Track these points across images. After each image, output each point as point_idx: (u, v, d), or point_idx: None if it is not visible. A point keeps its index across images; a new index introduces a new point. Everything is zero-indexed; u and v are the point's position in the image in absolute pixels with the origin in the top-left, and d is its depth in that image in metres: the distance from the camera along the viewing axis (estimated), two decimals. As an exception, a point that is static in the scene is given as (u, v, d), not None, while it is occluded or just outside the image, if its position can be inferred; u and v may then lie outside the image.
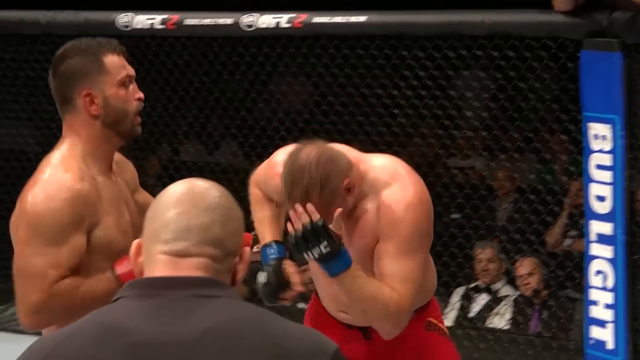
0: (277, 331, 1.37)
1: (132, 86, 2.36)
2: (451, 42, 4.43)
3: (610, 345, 4.10)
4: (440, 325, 2.72)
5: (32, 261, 2.26)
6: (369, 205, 2.43)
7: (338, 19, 4.43)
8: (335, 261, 2.34)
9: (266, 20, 4.55)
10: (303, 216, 2.29)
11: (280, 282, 2.60)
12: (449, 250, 4.93)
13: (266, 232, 2.66)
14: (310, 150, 2.35)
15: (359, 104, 4.99)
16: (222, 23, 4.66)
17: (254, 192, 2.73)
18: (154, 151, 6.12)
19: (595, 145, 4.07)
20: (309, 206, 2.30)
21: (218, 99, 5.25)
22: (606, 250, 4.07)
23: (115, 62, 2.33)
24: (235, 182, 5.55)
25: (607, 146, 4.02)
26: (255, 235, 2.70)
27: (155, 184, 6.23)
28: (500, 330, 4.95)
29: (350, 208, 2.42)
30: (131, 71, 2.37)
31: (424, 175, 5.25)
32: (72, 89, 2.31)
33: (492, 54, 4.42)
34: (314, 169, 2.32)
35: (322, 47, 4.76)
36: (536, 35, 4.25)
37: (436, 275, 2.78)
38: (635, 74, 3.96)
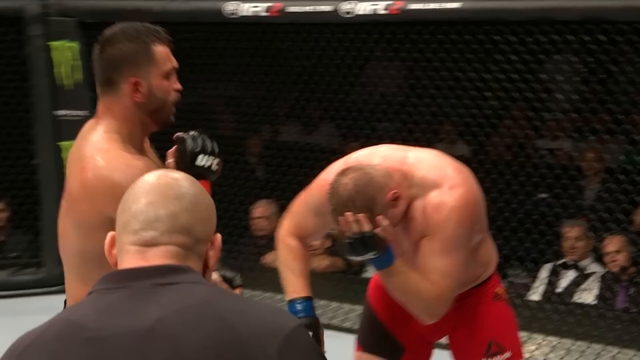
0: (231, 314, 1.30)
1: (173, 77, 2.27)
2: (543, 27, 4.33)
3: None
4: (505, 295, 2.72)
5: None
6: (418, 205, 2.43)
7: (433, 5, 4.39)
8: (381, 260, 2.38)
9: (364, 7, 4.54)
10: (353, 225, 2.32)
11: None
12: (538, 227, 4.84)
13: (297, 286, 2.57)
14: (345, 183, 2.33)
15: (452, 87, 4.92)
16: (322, 10, 4.67)
17: (289, 242, 2.61)
18: (256, 131, 6.15)
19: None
20: (360, 216, 2.32)
21: (318, 83, 5.24)
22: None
23: (163, 53, 2.23)
24: (333, 162, 5.56)
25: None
26: None
27: (257, 162, 6.30)
28: (588, 305, 4.85)
29: (403, 210, 2.42)
30: (175, 63, 2.28)
31: (514, 155, 5.25)
32: (119, 73, 2.20)
33: (583, 38, 4.31)
34: (357, 200, 2.32)
35: (417, 32, 4.71)
36: (628, 20, 4.14)
37: (496, 249, 2.74)
38: None
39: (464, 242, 2.44)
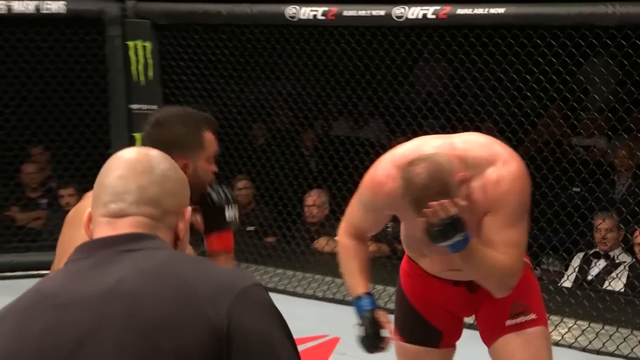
0: (189, 273, 1.26)
1: (213, 161, 2.28)
2: (582, 32, 4.28)
3: None
4: (528, 261, 2.64)
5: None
6: (475, 184, 2.34)
7: (479, 10, 4.36)
8: (464, 241, 2.29)
9: (415, 12, 4.52)
10: (440, 212, 2.22)
11: (376, 333, 2.52)
12: (572, 219, 4.79)
13: (357, 284, 2.54)
14: (418, 173, 2.24)
15: (494, 87, 4.88)
16: (376, 14, 4.66)
17: (345, 242, 2.57)
18: (311, 126, 6.16)
19: None
20: (444, 202, 2.22)
21: (368, 82, 5.22)
22: None
23: (211, 138, 2.24)
24: (380, 155, 5.54)
25: None
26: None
27: (311, 154, 6.30)
28: (617, 292, 4.79)
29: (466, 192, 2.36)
30: (217, 148, 2.29)
31: (551, 152, 5.19)
32: (171, 154, 2.25)
33: (620, 43, 4.26)
34: (434, 187, 2.23)
35: (463, 36, 4.68)
36: (665, 25, 4.08)
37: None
38: None
39: (525, 211, 2.39)
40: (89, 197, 2.21)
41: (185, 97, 5.43)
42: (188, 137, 2.19)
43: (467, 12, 4.39)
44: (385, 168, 2.40)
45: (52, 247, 2.15)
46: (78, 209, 2.14)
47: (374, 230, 2.62)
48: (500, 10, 4.31)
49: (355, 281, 2.54)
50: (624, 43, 4.27)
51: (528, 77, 4.68)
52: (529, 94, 4.74)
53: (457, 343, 2.74)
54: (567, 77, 4.56)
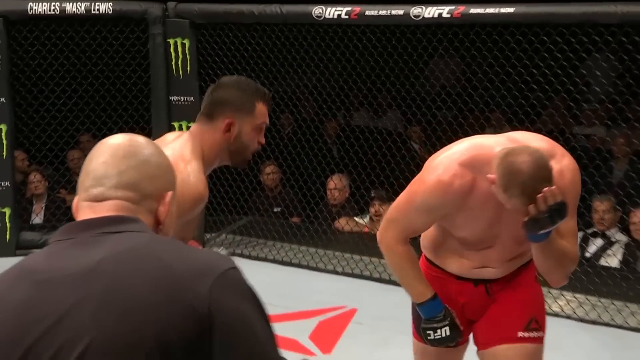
0: (169, 255, 1.21)
1: (262, 133, 2.27)
2: (585, 29, 4.28)
3: None
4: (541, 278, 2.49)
5: None
6: None
7: (491, 10, 4.36)
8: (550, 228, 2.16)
9: (431, 11, 4.51)
10: (549, 198, 2.07)
11: (458, 327, 2.40)
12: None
13: (424, 288, 2.38)
14: (524, 160, 2.07)
15: (503, 81, 4.88)
16: (395, 14, 4.65)
17: (400, 249, 2.36)
18: (333, 116, 6.16)
19: None
20: (554, 188, 2.08)
21: (387, 76, 5.23)
22: None
23: (262, 110, 2.23)
24: (398, 143, 5.57)
25: None
26: None
27: (333, 142, 6.32)
28: (613, 268, 4.79)
29: None
30: (267, 121, 2.27)
31: (554, 140, 5.19)
32: (221, 112, 2.21)
33: (621, 39, 4.25)
34: (543, 172, 2.07)
35: (475, 33, 4.68)
36: (663, 23, 4.07)
37: None
38: None
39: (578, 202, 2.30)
40: None
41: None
42: (240, 100, 2.20)
43: (480, 12, 4.38)
44: (450, 168, 2.23)
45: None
46: None
47: (422, 232, 2.44)
48: (510, 9, 4.31)
49: (421, 285, 2.38)
50: (625, 40, 4.26)
51: (534, 71, 4.68)
52: (535, 86, 4.73)
53: None
54: (571, 71, 4.55)
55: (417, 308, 2.43)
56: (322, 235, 5.42)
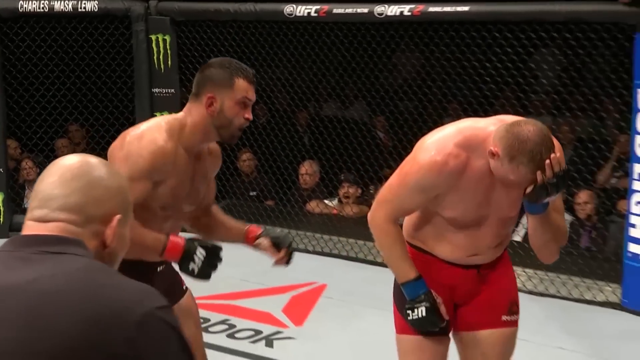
0: (98, 289, 1.10)
1: (247, 108, 2.20)
2: (533, 26, 4.30)
3: (643, 257, 4.02)
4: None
5: None
6: None
7: (448, 8, 4.36)
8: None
9: (393, 9, 4.50)
10: (556, 165, 1.97)
11: (438, 310, 2.20)
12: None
13: (409, 268, 2.21)
14: (529, 129, 1.98)
15: (459, 73, 4.90)
16: (360, 12, 4.63)
17: (389, 228, 2.20)
18: (304, 107, 6.15)
19: (642, 106, 3.92)
20: (559, 155, 1.99)
21: (353, 69, 5.23)
22: (645, 187, 3.95)
23: (241, 85, 2.17)
24: (364, 132, 5.58)
25: (652, 107, 3.88)
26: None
27: (304, 131, 6.30)
28: (558, 245, 4.85)
29: None
30: (252, 96, 2.20)
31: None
32: (204, 88, 2.18)
33: (565, 36, 4.28)
34: (548, 141, 1.98)
35: (434, 29, 4.69)
36: (601, 21, 4.10)
37: None
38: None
39: None
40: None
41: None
42: (220, 76, 2.17)
43: (438, 10, 4.38)
44: (444, 148, 2.09)
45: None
46: None
47: (413, 212, 2.26)
48: (465, 8, 4.31)
49: (406, 265, 2.21)
50: (568, 36, 4.29)
51: (487, 64, 4.69)
52: (488, 78, 4.75)
53: None
54: (520, 65, 4.58)
55: (401, 288, 2.25)
56: (294, 216, 5.41)
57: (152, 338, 1.09)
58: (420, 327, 2.22)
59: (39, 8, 5.16)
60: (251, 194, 5.87)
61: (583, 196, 4.80)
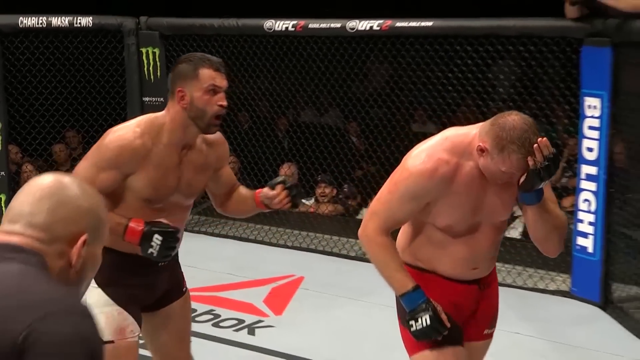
0: (13, 290, 1.05)
1: (219, 95, 2.11)
2: (491, 40, 4.34)
3: (590, 250, 4.04)
4: None
5: (82, 170, 2.13)
6: None
7: (413, 23, 4.38)
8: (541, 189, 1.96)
9: (364, 25, 4.52)
10: (545, 149, 1.87)
11: (440, 319, 2.02)
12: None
13: (405, 279, 2.03)
14: (514, 119, 1.89)
15: (425, 83, 4.92)
16: (334, 26, 4.64)
17: (382, 240, 2.03)
18: (284, 113, 6.15)
19: (588, 112, 3.96)
20: (545, 139, 1.88)
21: (328, 79, 5.24)
22: (591, 185, 3.99)
23: (207, 74, 2.10)
24: (338, 137, 5.58)
25: (597, 113, 3.92)
26: None
27: (284, 135, 6.30)
28: (514, 239, 4.88)
29: None
30: (220, 83, 2.11)
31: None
32: (174, 84, 2.13)
33: (519, 49, 4.32)
34: (532, 128, 1.89)
35: (401, 43, 4.71)
36: (551, 35, 4.15)
37: None
38: (620, 63, 3.84)
39: None
40: None
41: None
42: (185, 70, 2.12)
43: (404, 25, 4.41)
44: (434, 155, 1.97)
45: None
46: None
47: (406, 221, 2.09)
48: (429, 23, 4.33)
49: (402, 276, 2.03)
50: (522, 49, 4.33)
51: (450, 74, 4.72)
52: (450, 87, 4.78)
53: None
54: (479, 75, 4.62)
55: (400, 301, 2.07)
56: (274, 214, 5.41)
57: (35, 349, 1.00)
58: (425, 337, 2.03)
59: (38, 24, 5.12)
60: (235, 194, 5.84)
61: (536, 194, 4.84)
